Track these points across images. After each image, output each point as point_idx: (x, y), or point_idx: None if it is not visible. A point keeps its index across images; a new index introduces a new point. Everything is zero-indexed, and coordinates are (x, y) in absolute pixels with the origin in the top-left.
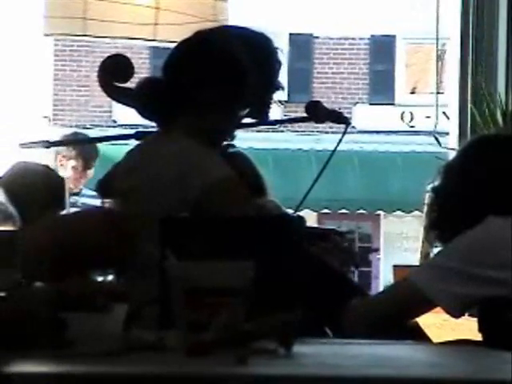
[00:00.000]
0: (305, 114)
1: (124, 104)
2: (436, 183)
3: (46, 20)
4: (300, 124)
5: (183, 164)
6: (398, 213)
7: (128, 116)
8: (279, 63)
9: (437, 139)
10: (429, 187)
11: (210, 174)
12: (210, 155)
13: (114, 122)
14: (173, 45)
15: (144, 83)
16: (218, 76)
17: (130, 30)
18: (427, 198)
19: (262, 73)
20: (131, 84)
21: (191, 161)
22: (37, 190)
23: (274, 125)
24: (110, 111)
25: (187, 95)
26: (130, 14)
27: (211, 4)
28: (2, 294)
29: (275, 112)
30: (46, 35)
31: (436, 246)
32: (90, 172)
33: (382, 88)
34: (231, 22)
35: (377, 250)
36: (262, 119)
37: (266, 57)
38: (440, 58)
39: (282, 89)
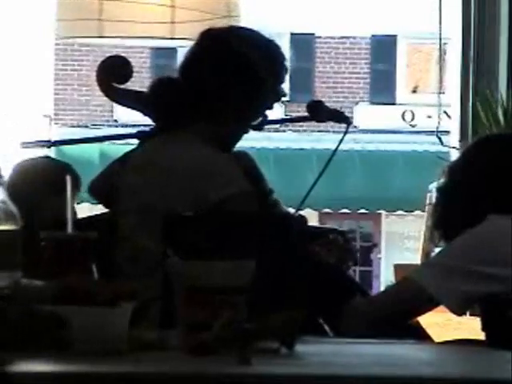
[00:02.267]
0: (306, 114)
1: (123, 105)
2: (440, 183)
3: (59, 23)
4: (301, 123)
5: (200, 173)
6: (399, 212)
7: (129, 115)
8: (285, 71)
9: (439, 138)
10: (430, 186)
11: (226, 188)
12: (227, 165)
13: (116, 121)
14: (189, 43)
15: (157, 84)
16: (236, 80)
17: (147, 29)
18: (430, 197)
19: (270, 79)
20: (131, 84)
21: (208, 171)
22: (36, 182)
23: (276, 124)
24: (111, 110)
25: (204, 98)
26: (146, 13)
27: (225, 1)
28: (3, 294)
29: (277, 111)
30: (61, 38)
31: (440, 246)
32: None
33: (383, 87)
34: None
35: (376, 246)
36: (259, 127)
37: (276, 63)
38: (441, 57)
39: (285, 96)
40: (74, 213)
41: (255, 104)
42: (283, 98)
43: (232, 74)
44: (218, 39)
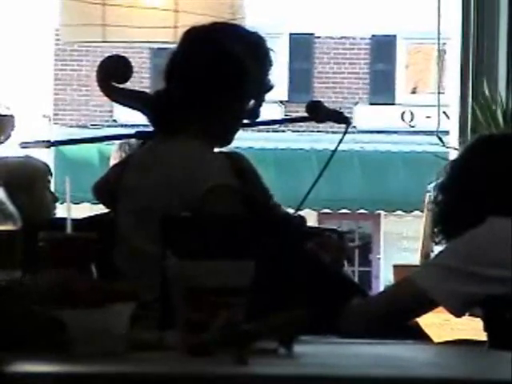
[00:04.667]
0: (305, 114)
1: (123, 105)
2: (441, 181)
3: (64, 28)
4: (300, 124)
5: (189, 170)
6: (399, 212)
7: (129, 115)
8: (271, 62)
9: (440, 139)
10: (429, 187)
11: (208, 182)
12: (213, 161)
13: (115, 121)
14: None
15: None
16: (224, 77)
17: (150, 33)
18: (429, 197)
19: (257, 72)
20: (131, 83)
21: (194, 169)
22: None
23: (275, 124)
24: (111, 111)
25: (194, 97)
26: (149, 17)
27: (229, 3)
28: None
29: (276, 112)
30: (65, 43)
31: (440, 244)
32: None
33: (382, 88)
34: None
35: (369, 243)
36: (252, 119)
37: (261, 56)
38: (441, 57)
39: (272, 88)
40: (54, 198)
41: (243, 98)
42: (282, 99)
43: (217, 70)
44: (201, 37)
